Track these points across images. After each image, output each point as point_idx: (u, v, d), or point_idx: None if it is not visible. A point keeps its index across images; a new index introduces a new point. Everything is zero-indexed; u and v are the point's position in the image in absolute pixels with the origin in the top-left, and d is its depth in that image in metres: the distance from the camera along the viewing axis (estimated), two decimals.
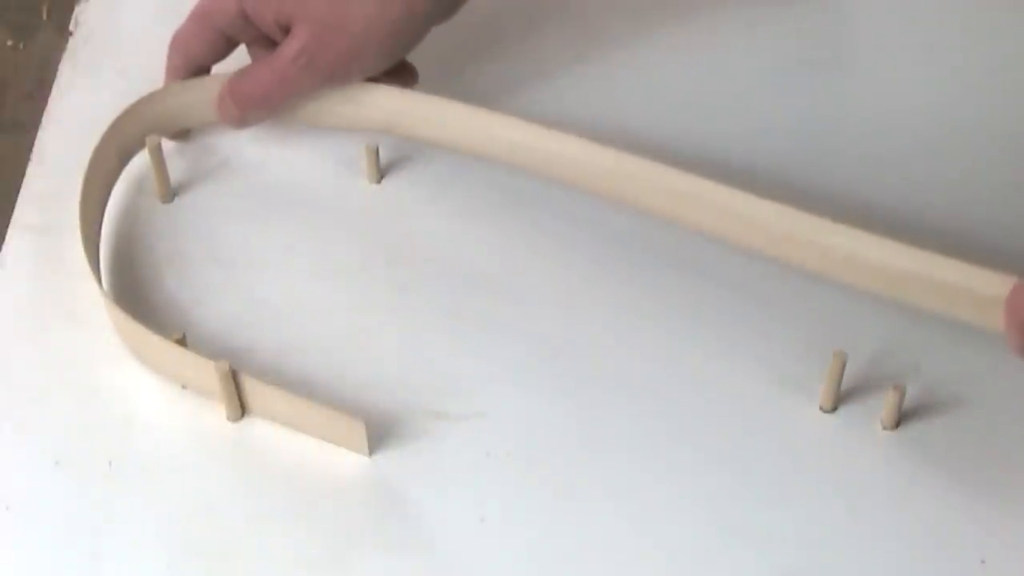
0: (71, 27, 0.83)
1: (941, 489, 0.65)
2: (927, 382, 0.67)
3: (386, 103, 0.73)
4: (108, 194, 0.74)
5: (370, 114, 0.73)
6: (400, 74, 0.74)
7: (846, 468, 0.66)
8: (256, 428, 0.67)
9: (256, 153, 0.76)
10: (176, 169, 0.75)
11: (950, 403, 0.67)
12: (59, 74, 0.80)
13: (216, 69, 0.75)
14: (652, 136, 0.76)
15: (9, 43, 1.22)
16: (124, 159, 0.74)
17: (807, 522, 0.64)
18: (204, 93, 0.74)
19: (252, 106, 0.73)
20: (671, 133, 0.76)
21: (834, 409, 0.67)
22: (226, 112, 0.74)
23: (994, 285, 0.63)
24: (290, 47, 0.71)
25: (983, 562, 0.63)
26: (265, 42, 0.73)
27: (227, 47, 0.74)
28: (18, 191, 0.75)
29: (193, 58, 0.74)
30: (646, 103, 0.78)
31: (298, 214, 0.74)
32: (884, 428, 0.67)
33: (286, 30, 0.71)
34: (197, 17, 0.73)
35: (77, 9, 0.84)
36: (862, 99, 0.79)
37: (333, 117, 0.74)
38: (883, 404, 0.66)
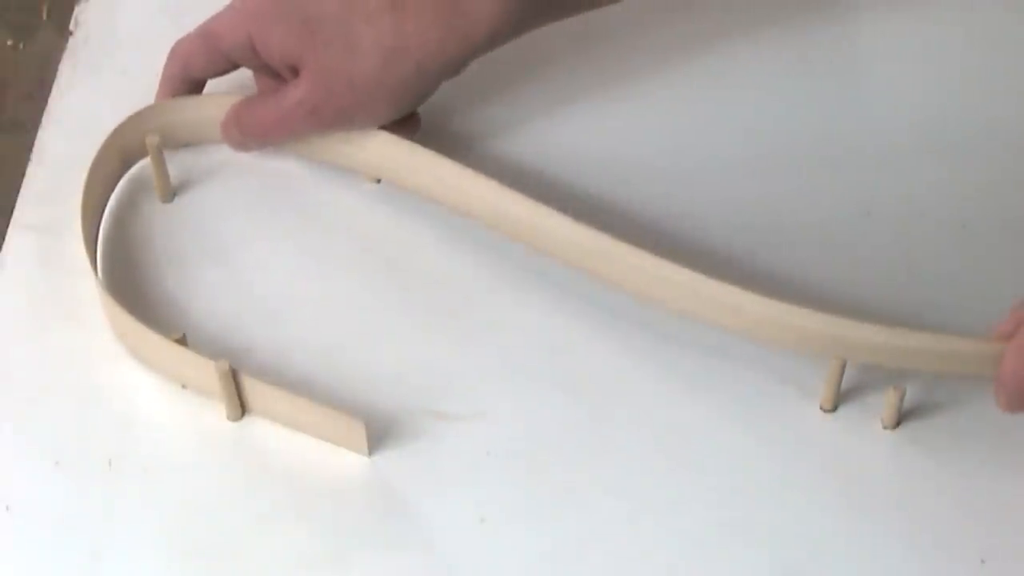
0: (71, 27, 0.83)
1: (941, 489, 0.65)
2: (927, 382, 0.67)
3: (383, 150, 0.72)
4: (108, 197, 0.74)
5: (366, 158, 0.73)
6: (403, 122, 0.73)
7: (846, 468, 0.66)
8: (256, 428, 0.67)
9: (256, 153, 0.76)
10: (176, 169, 0.75)
11: (950, 403, 0.67)
12: (59, 74, 0.80)
13: (214, 82, 0.75)
14: (654, 159, 0.76)
15: (9, 43, 1.22)
16: (127, 164, 0.75)
17: (807, 522, 0.64)
18: (212, 112, 0.74)
19: (253, 139, 0.74)
20: (673, 160, 0.76)
21: (834, 409, 0.67)
22: (229, 136, 0.74)
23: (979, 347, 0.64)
24: (295, 93, 0.71)
25: (983, 562, 0.63)
26: (269, 71, 0.73)
27: (228, 68, 0.74)
28: (18, 191, 0.75)
29: (192, 72, 0.74)
30: (647, 130, 0.78)
31: (298, 214, 0.74)
32: (884, 428, 0.67)
33: (293, 71, 0.71)
34: (204, 35, 0.73)
35: (77, 9, 0.84)
36: (865, 114, 0.79)
37: (330, 154, 0.74)
38: (883, 404, 0.66)
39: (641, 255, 0.67)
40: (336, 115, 0.71)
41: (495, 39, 0.71)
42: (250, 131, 0.74)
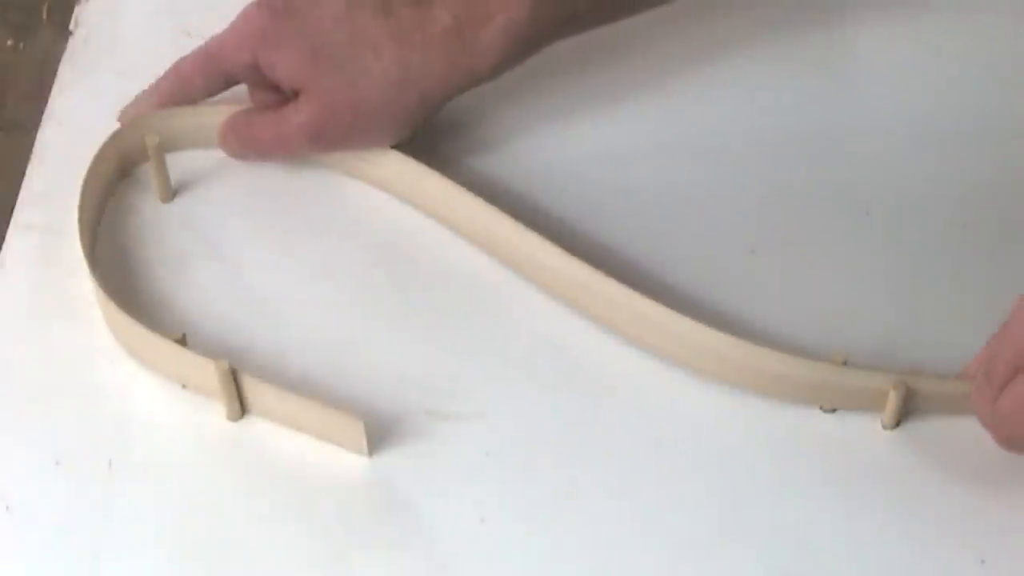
0: (71, 27, 0.83)
1: (941, 488, 0.65)
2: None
3: (391, 165, 0.73)
4: (105, 201, 0.74)
5: (372, 171, 0.74)
6: None
7: (846, 468, 0.66)
8: (256, 428, 0.67)
9: None
10: (176, 169, 0.75)
11: None
12: (59, 74, 0.80)
13: None
14: (649, 162, 0.76)
15: (9, 43, 1.22)
16: (125, 169, 0.75)
17: (807, 522, 0.64)
18: (212, 119, 0.74)
19: (251, 153, 0.74)
20: (669, 161, 0.76)
21: (834, 409, 0.67)
22: (227, 146, 0.75)
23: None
24: (296, 117, 0.71)
25: (983, 562, 0.63)
26: (268, 86, 0.73)
27: (226, 87, 0.74)
28: (18, 191, 0.75)
29: (190, 91, 0.74)
30: (643, 135, 0.78)
31: (298, 213, 0.74)
32: (884, 428, 0.67)
33: (295, 91, 0.72)
34: (206, 57, 0.73)
35: (77, 9, 0.84)
36: (864, 114, 0.79)
37: (336, 161, 0.75)
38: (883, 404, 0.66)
39: (620, 289, 0.68)
40: (336, 140, 0.72)
41: (499, 70, 0.72)
42: (249, 145, 0.74)
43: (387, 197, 0.74)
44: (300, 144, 0.72)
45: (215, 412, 0.67)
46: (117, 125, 0.74)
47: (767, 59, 0.81)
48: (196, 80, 0.74)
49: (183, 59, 0.74)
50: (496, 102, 0.78)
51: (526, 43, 0.72)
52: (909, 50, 0.81)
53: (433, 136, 0.75)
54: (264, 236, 0.73)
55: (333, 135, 0.72)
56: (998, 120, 0.78)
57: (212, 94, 0.74)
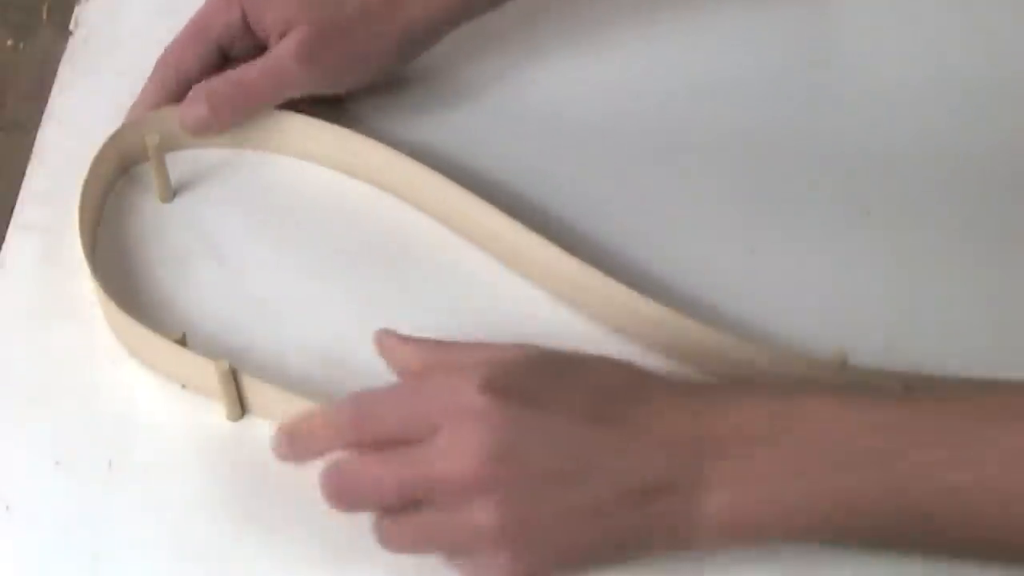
0: (71, 27, 0.83)
1: None
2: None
3: (374, 157, 0.73)
4: (104, 201, 0.74)
5: (358, 163, 0.74)
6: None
7: None
8: (256, 428, 0.67)
9: (256, 152, 0.76)
10: (176, 169, 0.75)
11: None
12: (59, 74, 0.80)
13: None
14: (644, 154, 0.76)
15: (9, 43, 1.22)
16: (124, 168, 0.75)
17: None
18: None
19: (239, 106, 0.73)
20: (666, 157, 0.77)
21: None
22: (214, 112, 0.73)
23: None
24: (286, 44, 0.72)
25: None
26: (255, 49, 0.73)
27: (220, 61, 0.74)
28: (18, 191, 0.75)
29: (183, 71, 0.74)
30: (641, 97, 0.79)
31: (298, 213, 0.74)
32: None
33: (282, 36, 0.72)
34: (193, 31, 0.74)
35: (77, 9, 0.84)
36: (864, 112, 0.79)
37: (324, 160, 0.75)
38: None
39: (614, 285, 0.68)
40: (329, 62, 0.72)
41: (478, 8, 0.74)
42: (236, 99, 0.73)
43: (386, 196, 0.74)
44: (292, 69, 0.72)
45: (215, 412, 0.67)
46: (117, 125, 0.74)
47: (763, 56, 0.81)
48: (189, 58, 0.74)
49: (167, 48, 0.74)
50: (491, 87, 0.78)
51: None
52: (910, 48, 0.81)
53: (420, 92, 0.77)
54: (264, 236, 0.73)
55: (325, 56, 0.72)
56: (999, 120, 0.78)
57: (205, 71, 0.74)
